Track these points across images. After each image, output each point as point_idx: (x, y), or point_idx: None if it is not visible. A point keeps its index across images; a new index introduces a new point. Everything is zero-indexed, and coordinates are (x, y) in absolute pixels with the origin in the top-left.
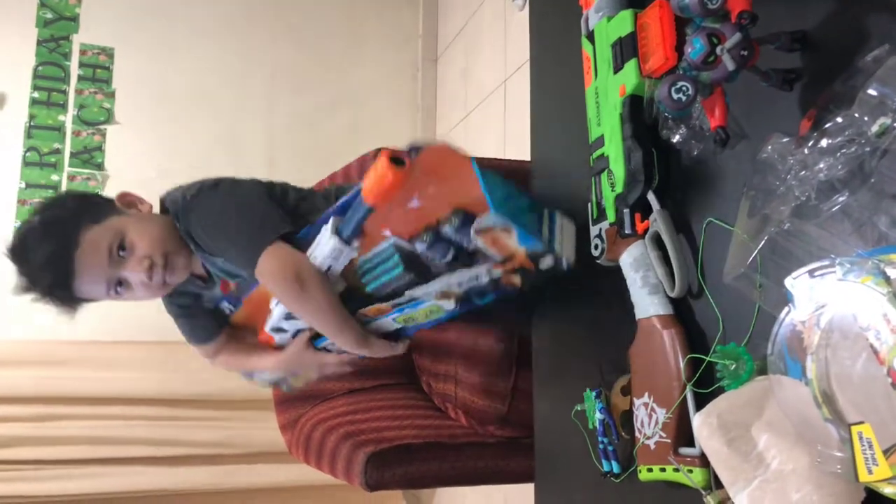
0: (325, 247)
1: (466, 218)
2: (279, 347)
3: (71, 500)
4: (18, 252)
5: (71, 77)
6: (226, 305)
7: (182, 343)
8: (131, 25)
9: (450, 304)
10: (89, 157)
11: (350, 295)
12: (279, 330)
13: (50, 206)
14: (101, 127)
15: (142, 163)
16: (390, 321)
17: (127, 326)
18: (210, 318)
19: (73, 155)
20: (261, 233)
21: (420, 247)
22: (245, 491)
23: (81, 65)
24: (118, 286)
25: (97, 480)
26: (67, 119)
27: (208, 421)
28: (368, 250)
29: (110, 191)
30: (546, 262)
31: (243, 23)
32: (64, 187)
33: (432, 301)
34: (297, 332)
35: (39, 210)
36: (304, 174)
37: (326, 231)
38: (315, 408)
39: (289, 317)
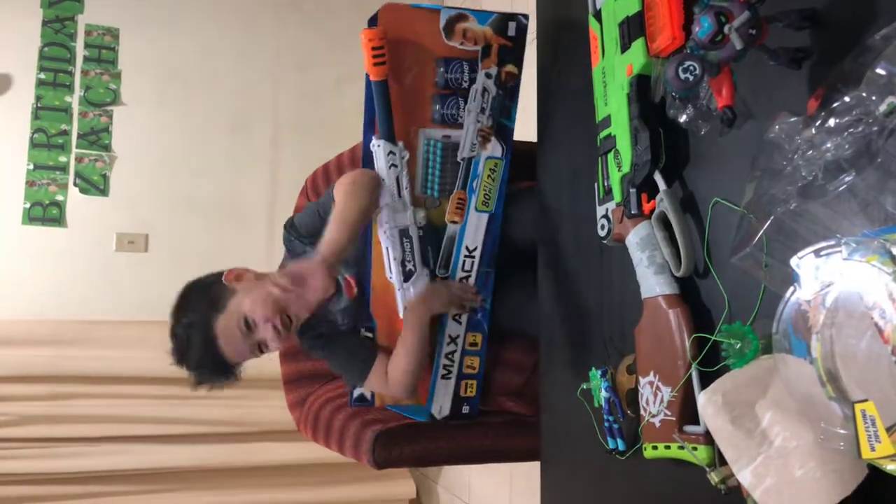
0: (380, 158)
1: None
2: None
3: (84, 477)
4: (179, 359)
5: (77, 58)
6: (363, 328)
7: None
8: (136, 5)
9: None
10: (96, 138)
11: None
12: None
13: (183, 309)
14: (108, 108)
15: (149, 143)
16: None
17: (137, 305)
18: (354, 341)
19: (80, 136)
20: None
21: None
22: (254, 468)
23: (87, 45)
24: (259, 349)
25: (108, 458)
26: (74, 100)
27: (218, 399)
28: (415, 155)
29: (119, 172)
30: None
31: (248, 1)
32: (72, 169)
33: (480, 151)
34: None
35: (176, 315)
36: (310, 153)
37: (375, 147)
38: (323, 386)
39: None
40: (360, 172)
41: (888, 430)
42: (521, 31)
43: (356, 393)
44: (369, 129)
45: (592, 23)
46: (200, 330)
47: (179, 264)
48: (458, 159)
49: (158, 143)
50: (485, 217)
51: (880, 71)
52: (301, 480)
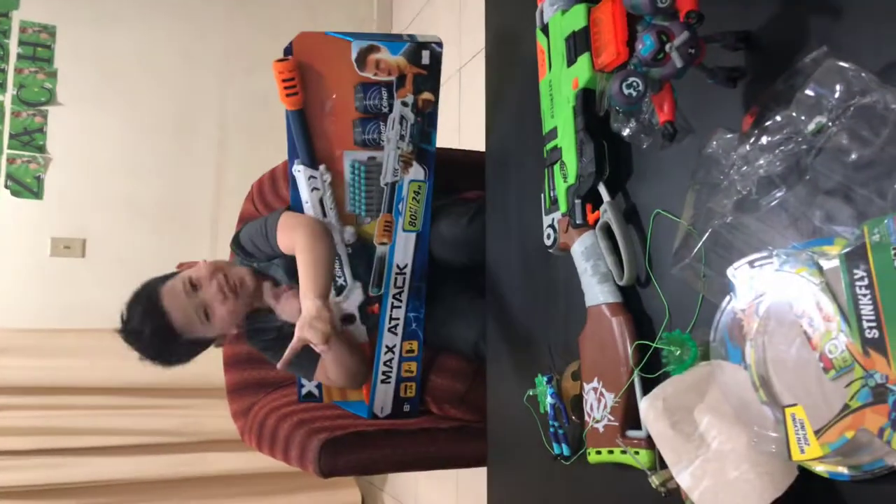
0: (303, 184)
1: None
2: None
3: (16, 492)
4: (125, 328)
5: (10, 56)
6: None
7: None
8: (75, 2)
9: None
10: (30, 138)
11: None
12: (347, 319)
13: (135, 293)
14: (43, 108)
15: (86, 145)
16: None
17: (74, 313)
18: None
19: (12, 136)
20: (275, 214)
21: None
22: (198, 479)
23: (21, 43)
24: (205, 314)
25: (43, 472)
26: (6, 99)
27: (159, 409)
28: (341, 178)
29: (54, 174)
30: None
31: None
32: (3, 170)
33: (402, 175)
34: (364, 318)
35: (128, 301)
36: (258, 157)
37: (296, 171)
38: (268, 395)
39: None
40: (314, 224)
41: (816, 433)
42: (436, 58)
43: (304, 390)
44: (292, 155)
45: (540, 37)
46: (146, 294)
47: (118, 270)
48: (382, 185)
49: (97, 145)
50: (413, 236)
51: (809, 92)
52: (246, 490)
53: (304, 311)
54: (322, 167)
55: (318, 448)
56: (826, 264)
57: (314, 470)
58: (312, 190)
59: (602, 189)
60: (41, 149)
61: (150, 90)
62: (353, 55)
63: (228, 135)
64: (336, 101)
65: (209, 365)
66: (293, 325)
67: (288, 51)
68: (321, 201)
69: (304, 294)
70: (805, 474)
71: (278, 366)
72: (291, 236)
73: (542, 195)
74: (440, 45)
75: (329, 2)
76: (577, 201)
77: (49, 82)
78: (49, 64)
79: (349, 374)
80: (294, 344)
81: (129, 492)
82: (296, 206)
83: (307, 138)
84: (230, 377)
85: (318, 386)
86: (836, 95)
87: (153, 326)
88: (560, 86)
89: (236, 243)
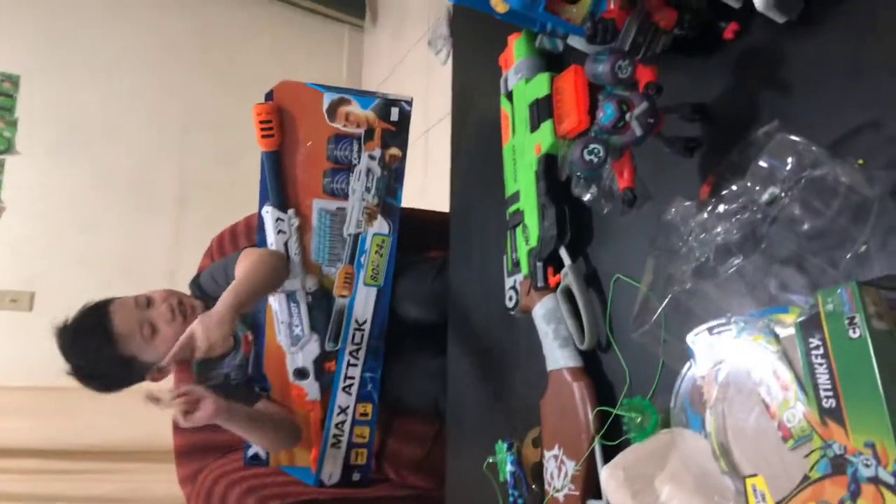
0: (269, 226)
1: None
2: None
3: None
4: (65, 329)
5: None
6: (258, 388)
7: (77, 388)
8: (41, 52)
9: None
10: None
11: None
12: (300, 373)
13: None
14: (0, 157)
15: (42, 196)
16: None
17: (17, 370)
18: (241, 393)
19: None
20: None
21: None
22: None
23: None
24: (151, 329)
25: None
26: None
27: (102, 474)
28: (308, 226)
29: (6, 224)
30: None
31: (162, 55)
32: None
33: (368, 228)
34: (319, 374)
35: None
36: (218, 214)
37: (265, 213)
38: (217, 460)
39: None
40: (272, 252)
41: None
42: (405, 116)
43: (250, 452)
44: (263, 196)
45: (504, 103)
46: (97, 302)
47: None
48: (345, 235)
49: (53, 196)
50: (373, 291)
51: (763, 164)
52: None
53: (213, 311)
54: (291, 211)
55: None
56: (782, 332)
57: None
58: (279, 233)
59: (563, 253)
60: None
61: (111, 144)
62: (325, 106)
63: (188, 191)
64: (309, 149)
65: (157, 426)
66: (240, 373)
67: (269, 96)
68: (286, 245)
69: (223, 299)
70: None
71: (165, 360)
72: (245, 261)
73: (505, 257)
74: (409, 103)
75: (298, 61)
76: (539, 264)
77: (8, 131)
78: (10, 113)
79: (273, 442)
80: (183, 337)
81: None
82: (261, 247)
83: (279, 181)
84: (178, 439)
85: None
86: (788, 167)
87: (92, 325)
88: (523, 151)
89: (195, 283)
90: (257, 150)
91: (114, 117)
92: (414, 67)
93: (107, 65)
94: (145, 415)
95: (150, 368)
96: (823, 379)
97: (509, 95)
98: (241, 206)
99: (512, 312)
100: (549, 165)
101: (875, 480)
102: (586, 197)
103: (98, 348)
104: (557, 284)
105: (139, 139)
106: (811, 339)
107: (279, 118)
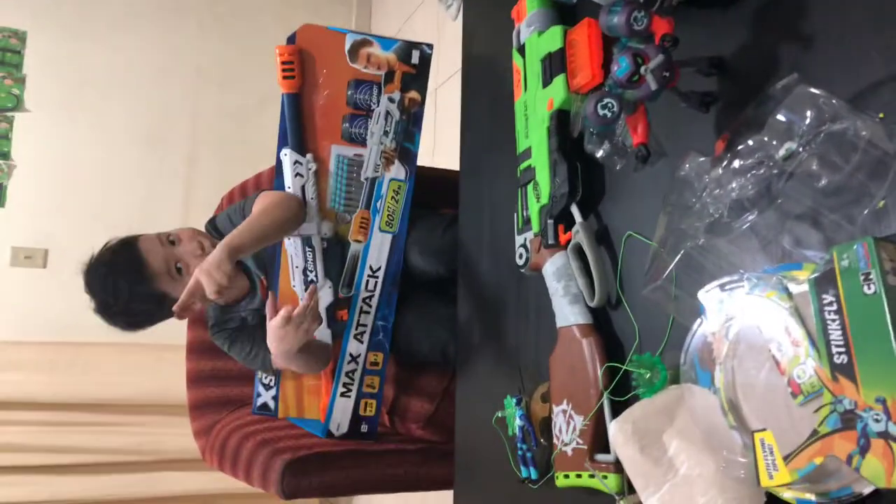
0: (287, 169)
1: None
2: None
3: None
4: (96, 265)
5: None
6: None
7: (91, 343)
8: (47, 9)
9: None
10: None
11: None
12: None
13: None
14: (9, 114)
15: (53, 153)
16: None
17: (32, 325)
18: (261, 335)
19: None
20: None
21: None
22: (155, 499)
23: None
24: (177, 269)
25: None
26: None
27: (117, 426)
28: (325, 172)
29: (18, 182)
30: None
31: (170, 11)
32: None
33: (385, 173)
34: (331, 322)
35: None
36: (228, 171)
37: (283, 156)
38: (231, 414)
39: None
40: (289, 196)
41: (785, 458)
42: (425, 59)
43: (259, 401)
44: (282, 140)
45: (516, 57)
46: (123, 238)
47: (79, 282)
48: (362, 179)
49: (64, 154)
50: (388, 237)
51: (780, 118)
52: None
53: (209, 256)
54: (309, 155)
55: (282, 469)
56: (795, 289)
57: (276, 491)
58: (296, 176)
59: (575, 210)
60: (5, 155)
61: (121, 102)
62: (347, 47)
63: (199, 149)
64: (330, 93)
65: (170, 381)
66: (257, 316)
67: (291, 39)
68: (303, 189)
69: (222, 241)
70: (772, 501)
71: (174, 308)
72: (261, 203)
73: (515, 215)
74: (430, 47)
75: (306, 18)
76: (550, 222)
77: (17, 88)
78: (18, 69)
79: (311, 364)
80: (189, 285)
81: None
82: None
83: (298, 124)
84: (192, 394)
85: (275, 398)
86: (807, 122)
87: (125, 262)
88: (535, 106)
89: (212, 224)
90: (267, 107)
91: (122, 75)
92: (423, 24)
93: (114, 20)
94: (158, 369)
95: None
96: (836, 335)
97: (521, 49)
98: (252, 162)
99: (522, 270)
100: (561, 121)
101: (885, 435)
102: (599, 153)
103: (131, 285)
104: (568, 242)
105: (148, 97)
106: (825, 295)
107: (301, 61)
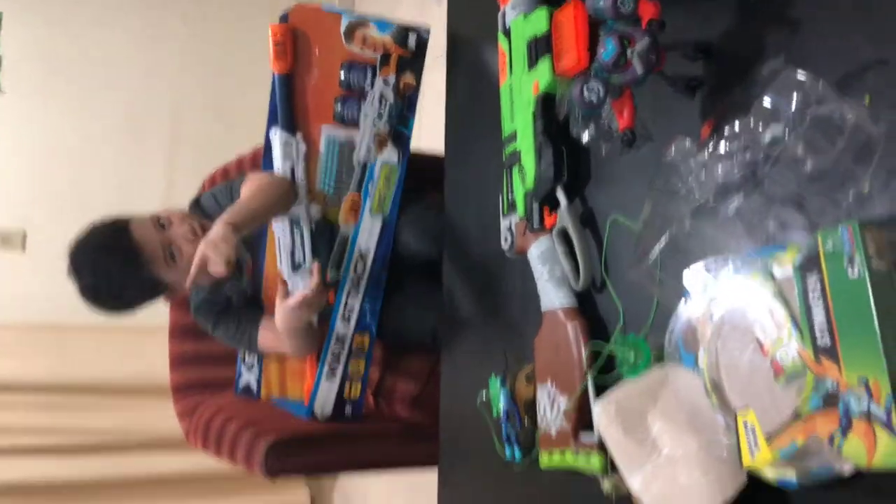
0: (277, 150)
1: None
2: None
3: None
4: (87, 249)
5: None
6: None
7: (75, 326)
8: None
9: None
10: None
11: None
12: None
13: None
14: None
15: (31, 135)
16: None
17: (7, 308)
18: (246, 315)
19: None
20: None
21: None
22: (139, 481)
23: None
24: (171, 254)
25: None
26: None
27: (99, 409)
28: (315, 154)
29: None
30: None
31: None
32: None
33: (376, 155)
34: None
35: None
36: (209, 156)
37: (273, 136)
38: (215, 395)
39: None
40: (280, 177)
41: (767, 438)
42: (422, 43)
43: (241, 381)
44: (272, 120)
45: (501, 40)
46: (113, 219)
47: (59, 265)
48: (354, 162)
49: (43, 137)
50: (378, 220)
51: (766, 102)
52: (191, 493)
53: (212, 231)
54: (299, 135)
55: (265, 450)
56: (779, 272)
57: (260, 471)
58: (285, 157)
59: (560, 194)
60: None
61: (100, 89)
62: (343, 28)
63: (180, 132)
64: (322, 74)
65: (153, 363)
66: (243, 297)
67: (284, 18)
68: (292, 171)
69: (221, 217)
70: (754, 482)
71: (186, 283)
72: (252, 183)
73: (500, 198)
74: (427, 32)
75: (290, 3)
76: (535, 205)
77: None
78: None
79: (307, 344)
80: (197, 260)
81: (66, 495)
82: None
83: (289, 104)
84: (175, 376)
85: (258, 379)
86: (793, 105)
87: (115, 245)
88: (521, 90)
89: (196, 204)
90: (248, 90)
91: (102, 63)
92: (408, 7)
93: (93, 9)
94: (140, 352)
95: (170, 289)
96: (820, 318)
97: (507, 32)
98: (234, 146)
99: (507, 253)
100: (547, 105)
101: (867, 415)
102: (585, 137)
103: (126, 272)
104: (553, 226)
105: (130, 78)
106: (809, 278)
107: (293, 40)
